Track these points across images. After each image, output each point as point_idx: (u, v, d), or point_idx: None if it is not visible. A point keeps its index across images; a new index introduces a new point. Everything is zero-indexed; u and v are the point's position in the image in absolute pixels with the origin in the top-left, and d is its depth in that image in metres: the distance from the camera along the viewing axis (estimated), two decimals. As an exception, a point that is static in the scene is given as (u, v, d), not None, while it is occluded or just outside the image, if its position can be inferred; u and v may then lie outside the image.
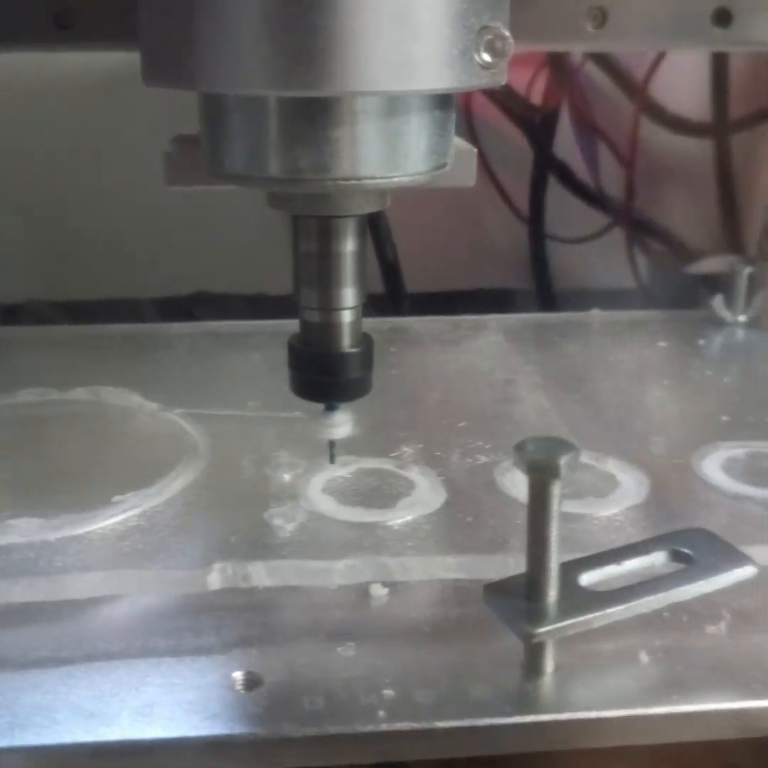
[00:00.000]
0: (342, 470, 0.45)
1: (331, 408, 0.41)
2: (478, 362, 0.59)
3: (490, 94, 0.73)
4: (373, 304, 0.79)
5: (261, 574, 0.38)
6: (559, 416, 0.51)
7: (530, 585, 0.34)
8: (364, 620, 0.37)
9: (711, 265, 0.69)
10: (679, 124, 0.76)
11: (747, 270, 0.64)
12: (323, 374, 0.40)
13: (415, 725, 0.32)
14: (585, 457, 0.46)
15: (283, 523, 0.41)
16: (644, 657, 0.35)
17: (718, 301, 0.65)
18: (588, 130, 0.76)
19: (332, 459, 0.43)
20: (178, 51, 0.32)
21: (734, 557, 0.36)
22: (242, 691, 0.33)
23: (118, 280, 0.73)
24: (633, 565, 0.36)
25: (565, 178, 0.78)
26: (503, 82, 0.34)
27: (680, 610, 0.38)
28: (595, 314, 0.68)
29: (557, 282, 0.81)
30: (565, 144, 0.78)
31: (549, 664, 0.35)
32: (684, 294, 0.72)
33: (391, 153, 0.34)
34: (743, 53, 0.74)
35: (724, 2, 0.58)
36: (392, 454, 0.47)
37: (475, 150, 0.41)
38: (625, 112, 0.76)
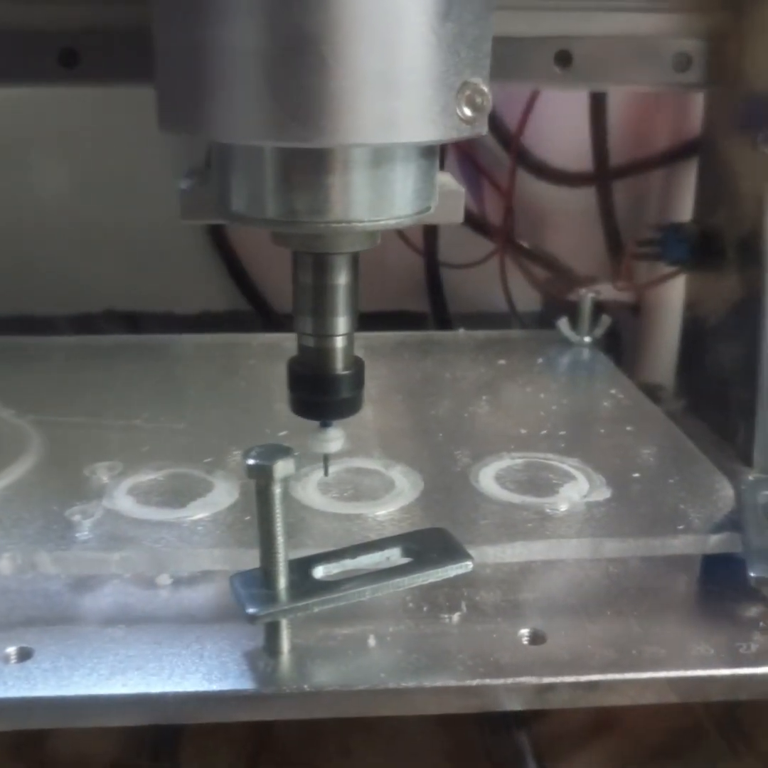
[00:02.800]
0: (154, 473, 0.50)
1: (325, 425, 0.44)
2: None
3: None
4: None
5: (47, 563, 0.43)
6: (374, 428, 0.56)
7: (264, 575, 0.39)
8: (142, 606, 0.42)
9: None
10: (557, 177, 0.80)
11: (590, 295, 0.68)
12: (317, 394, 0.43)
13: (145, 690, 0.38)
14: (376, 464, 0.51)
15: (81, 518, 0.45)
16: (372, 641, 0.40)
17: (563, 323, 0.69)
18: (470, 166, 0.81)
19: (326, 472, 0.47)
20: (190, 102, 0.36)
21: (456, 554, 0.41)
22: (14, 662, 0.39)
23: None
24: (368, 559, 0.41)
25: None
26: (484, 132, 0.37)
27: (423, 601, 0.43)
28: (460, 333, 0.72)
29: (452, 305, 0.85)
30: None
31: (285, 644, 0.40)
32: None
33: (378, 198, 0.38)
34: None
35: (564, 45, 0.64)
36: (206, 460, 0.51)
37: (463, 189, 0.44)
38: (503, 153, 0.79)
